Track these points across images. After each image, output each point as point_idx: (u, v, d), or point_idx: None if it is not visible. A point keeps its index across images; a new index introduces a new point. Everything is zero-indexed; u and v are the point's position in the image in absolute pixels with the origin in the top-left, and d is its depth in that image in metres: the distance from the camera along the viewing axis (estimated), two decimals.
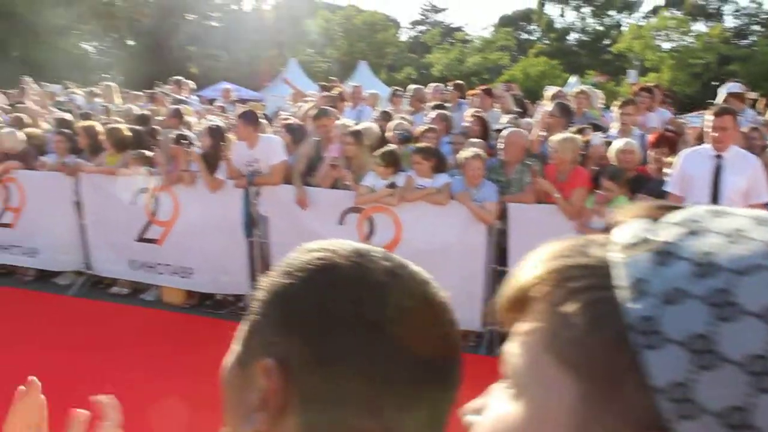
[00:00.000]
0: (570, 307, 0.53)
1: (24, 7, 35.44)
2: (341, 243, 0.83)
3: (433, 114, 8.04)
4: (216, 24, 44.58)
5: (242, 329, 0.86)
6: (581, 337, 0.52)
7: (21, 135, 8.58)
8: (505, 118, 7.96)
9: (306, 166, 7.18)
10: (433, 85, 10.02)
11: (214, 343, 5.74)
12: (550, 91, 9.71)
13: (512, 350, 0.59)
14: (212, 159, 7.21)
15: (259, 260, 7.35)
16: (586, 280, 0.53)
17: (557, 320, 0.54)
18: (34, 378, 0.98)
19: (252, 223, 7.29)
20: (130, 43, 44.94)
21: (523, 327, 0.58)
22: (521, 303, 0.59)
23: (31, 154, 8.51)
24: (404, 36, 59.65)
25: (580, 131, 7.00)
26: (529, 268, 0.60)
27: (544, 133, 7.13)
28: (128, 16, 42.95)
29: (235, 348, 0.86)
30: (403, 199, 6.59)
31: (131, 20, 43.06)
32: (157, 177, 7.59)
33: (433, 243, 6.40)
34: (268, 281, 0.83)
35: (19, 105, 10.58)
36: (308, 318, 0.76)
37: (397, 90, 11.68)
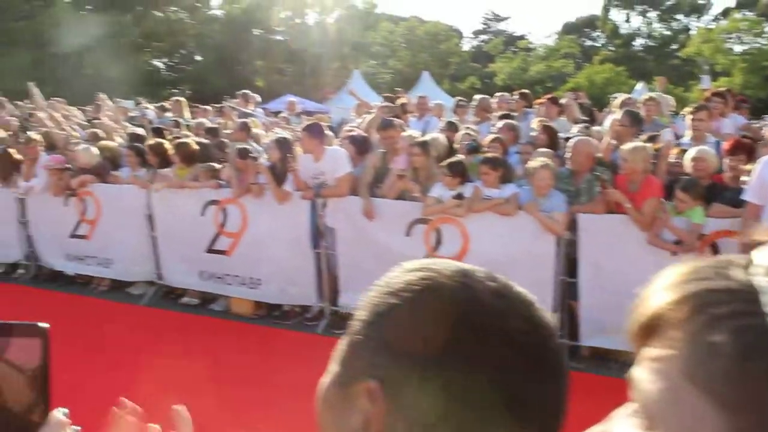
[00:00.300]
0: (716, 336, 0.50)
1: (98, 28, 36.66)
2: (443, 263, 0.81)
3: (500, 124, 7.96)
4: (281, 38, 45.29)
5: (340, 348, 0.84)
6: (731, 368, 0.49)
7: (95, 150, 8.86)
8: (575, 128, 7.82)
9: (372, 178, 7.21)
10: (498, 94, 9.93)
11: (281, 353, 5.87)
12: (618, 98, 9.52)
13: (643, 377, 0.57)
14: (280, 171, 7.29)
15: (326, 272, 7.40)
16: (731, 306, 0.51)
17: (700, 349, 0.52)
18: (135, 406, 0.98)
19: (319, 234, 7.35)
20: (198, 58, 46.07)
21: (654, 353, 0.56)
22: (653, 328, 0.57)
23: (105, 168, 8.78)
24: (467, 45, 59.53)
25: (650, 139, 6.84)
26: (662, 292, 0.57)
27: (615, 142, 6.99)
28: (197, 33, 44.05)
29: (334, 368, 0.84)
30: (471, 210, 6.54)
31: (200, 36, 44.15)
32: (225, 189, 7.72)
33: (500, 254, 6.32)
34: (368, 301, 0.81)
35: (95, 120, 10.93)
36: (414, 340, 0.74)
37: (461, 100, 11.63)
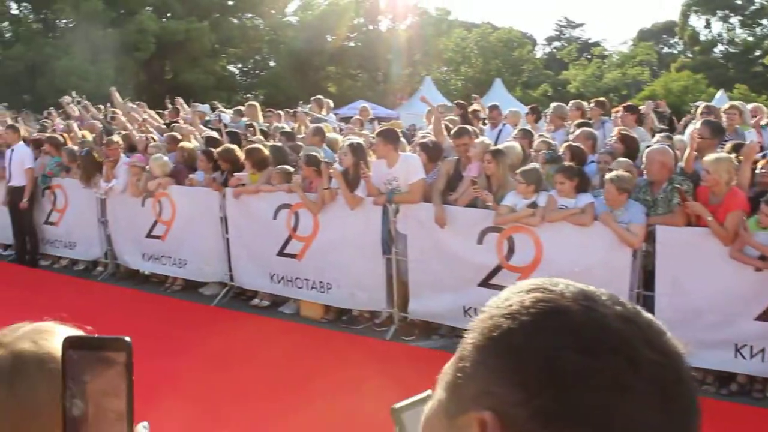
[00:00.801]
0: None
1: (178, 35, 37.74)
2: (562, 283, 0.75)
3: (578, 132, 7.80)
4: (353, 44, 45.68)
5: (447, 373, 0.79)
6: None
7: (167, 159, 9.11)
8: (656, 137, 7.61)
9: (445, 185, 7.17)
10: (573, 102, 9.76)
11: (349, 358, 5.89)
12: (700, 107, 9.23)
13: None
14: (352, 177, 7.33)
15: (396, 278, 7.39)
16: None
17: None
18: None
19: (390, 240, 7.35)
20: (272, 64, 46.87)
21: None
22: None
23: (182, 172, 9.00)
24: (540, 52, 58.82)
25: (734, 149, 6.59)
26: None
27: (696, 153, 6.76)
28: (271, 39, 44.85)
29: (440, 395, 0.79)
30: (545, 220, 6.44)
31: (274, 42, 44.93)
32: (298, 193, 7.80)
33: (574, 265, 6.19)
34: (479, 323, 0.76)
35: (173, 124, 11.24)
36: (535, 368, 0.68)
37: (533, 107, 11.49)
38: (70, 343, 0.79)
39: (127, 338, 0.80)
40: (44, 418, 0.94)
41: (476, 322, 0.77)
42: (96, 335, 0.82)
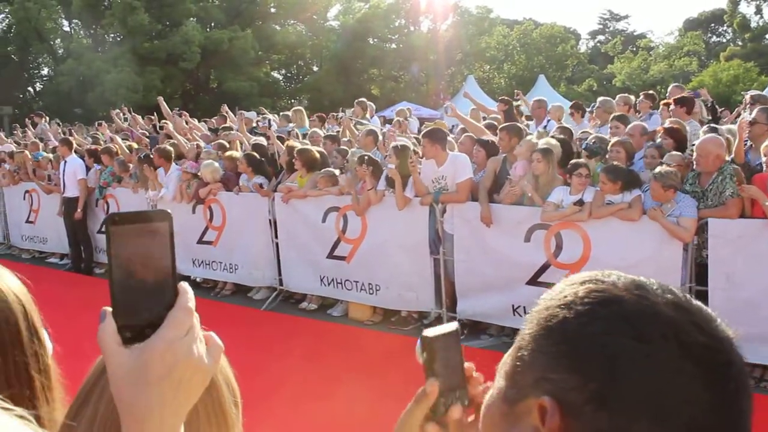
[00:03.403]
0: None
1: (222, 44, 38.28)
2: (614, 274, 0.79)
3: (630, 126, 7.65)
4: (395, 46, 45.75)
5: (506, 362, 0.82)
6: None
7: (217, 165, 9.25)
8: (703, 128, 7.44)
9: (492, 183, 7.14)
10: (621, 96, 9.62)
11: (399, 359, 5.87)
12: (748, 95, 9.02)
13: None
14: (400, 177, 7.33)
15: (444, 278, 7.39)
16: None
17: None
18: None
19: (438, 240, 7.35)
20: (315, 68, 47.23)
21: None
22: None
23: (231, 179, 9.14)
24: (584, 47, 58.10)
25: None
26: None
27: (750, 143, 6.60)
28: (314, 44, 45.18)
29: (499, 383, 0.83)
30: (592, 216, 6.36)
31: (316, 47, 45.25)
32: (346, 197, 7.86)
33: (624, 260, 6.10)
34: (536, 314, 0.80)
35: (222, 132, 11.41)
36: (590, 354, 0.71)
37: (576, 103, 11.35)
38: (113, 219, 0.83)
39: (168, 210, 0.86)
40: None
41: (533, 313, 0.80)
42: (137, 211, 0.87)
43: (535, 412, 0.74)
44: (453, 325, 1.07)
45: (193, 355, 0.84)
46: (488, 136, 8.04)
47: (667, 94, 9.59)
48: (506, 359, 0.83)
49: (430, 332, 1.04)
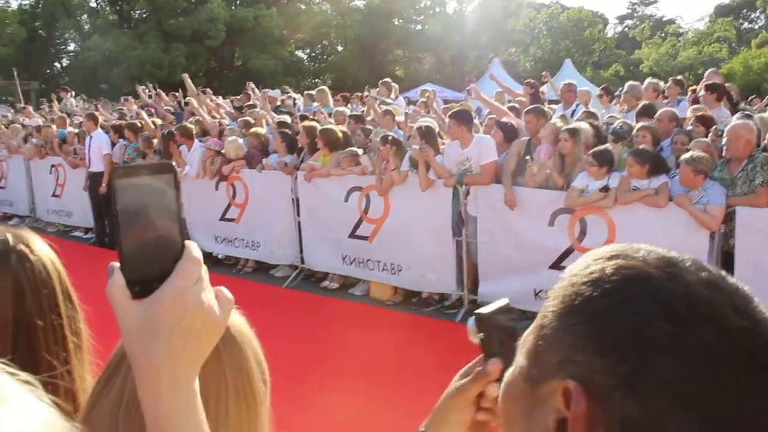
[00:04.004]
0: None
1: (247, 22, 38.29)
2: (643, 249, 0.73)
3: (660, 112, 7.54)
4: (420, 27, 45.49)
5: (527, 340, 0.78)
6: None
7: (241, 141, 9.26)
8: (737, 114, 7.31)
9: (516, 166, 7.09)
10: (650, 81, 9.48)
11: (419, 339, 5.90)
12: None
13: None
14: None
15: (466, 260, 7.36)
16: None
17: None
18: None
19: (461, 222, 7.32)
20: (340, 48, 47.12)
21: None
22: None
23: (255, 156, 9.15)
24: (611, 31, 57.34)
25: None
26: None
27: None
28: (338, 24, 45.05)
29: (521, 361, 0.78)
30: (618, 202, 6.30)
31: (341, 27, 45.11)
32: (368, 175, 7.84)
33: None
34: (559, 291, 0.74)
35: (246, 109, 11.42)
36: (620, 336, 0.66)
37: (605, 87, 11.22)
38: (117, 173, 0.83)
39: (172, 162, 0.85)
40: None
41: (556, 289, 0.75)
42: (141, 163, 0.87)
43: (559, 395, 0.69)
44: (504, 301, 1.05)
45: (203, 303, 0.84)
46: (510, 119, 7.98)
47: (705, 79, 9.40)
48: (528, 336, 0.79)
49: (484, 311, 1.02)
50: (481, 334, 1.02)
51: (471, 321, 1.03)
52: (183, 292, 0.82)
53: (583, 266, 0.74)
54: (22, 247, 1.43)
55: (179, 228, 0.85)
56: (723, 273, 0.71)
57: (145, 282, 0.83)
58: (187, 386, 0.84)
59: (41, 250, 1.46)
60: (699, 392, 0.64)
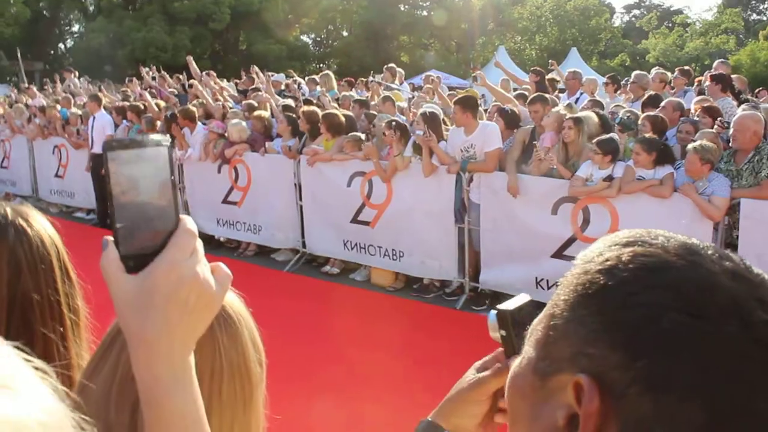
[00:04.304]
0: None
1: (252, 5, 38.12)
2: (662, 235, 0.69)
3: (665, 101, 7.49)
4: (426, 14, 45.28)
5: (536, 329, 0.74)
6: None
7: (245, 124, 9.22)
8: (743, 105, 7.26)
9: (520, 153, 7.06)
10: (656, 72, 9.41)
11: (419, 326, 5.90)
12: None
13: None
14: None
15: (468, 247, 7.35)
16: None
17: None
18: None
19: (463, 209, 7.29)
20: (345, 33, 46.94)
21: None
22: None
23: (258, 140, 9.12)
24: (618, 21, 57.03)
25: None
26: None
27: None
28: (344, 9, 44.85)
29: (529, 352, 0.75)
30: (622, 191, 6.27)
31: (347, 12, 44.92)
32: (371, 159, 7.81)
33: None
34: (571, 278, 0.70)
35: (251, 93, 11.38)
36: (639, 330, 0.62)
37: (612, 76, 11.15)
38: (110, 145, 0.81)
39: (167, 136, 0.84)
40: None
41: (568, 277, 0.71)
42: (135, 137, 0.84)
43: (570, 389, 0.65)
44: (525, 297, 1.02)
45: (199, 276, 0.82)
46: (512, 106, 7.95)
47: (713, 69, 9.33)
48: (536, 326, 0.74)
49: (505, 306, 0.99)
50: (502, 331, 1.00)
51: (492, 317, 1.01)
52: (178, 264, 0.81)
53: (597, 253, 0.70)
54: (20, 221, 1.42)
55: (174, 202, 0.83)
56: (747, 263, 0.67)
57: (139, 256, 0.81)
58: (182, 360, 0.83)
59: (40, 225, 1.46)
60: (721, 390, 0.60)
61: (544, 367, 0.71)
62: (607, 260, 0.68)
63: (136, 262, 0.81)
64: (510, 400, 0.78)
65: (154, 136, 0.84)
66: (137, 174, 0.82)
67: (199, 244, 0.84)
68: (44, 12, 42.37)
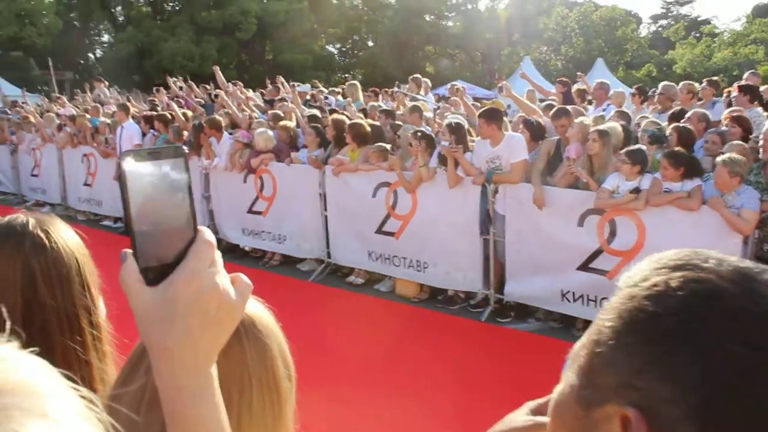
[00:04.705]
0: None
1: (278, 15, 38.37)
2: (713, 258, 0.65)
3: (690, 113, 7.42)
4: (452, 24, 45.29)
5: (578, 355, 0.72)
6: None
7: (271, 134, 9.27)
8: None
9: (546, 165, 7.02)
10: (684, 83, 9.32)
11: (443, 338, 5.86)
12: None
13: None
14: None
15: (493, 259, 7.31)
16: None
17: None
18: None
19: (488, 220, 7.26)
20: (370, 44, 47.09)
21: None
22: None
23: (284, 150, 9.16)
24: (644, 31, 56.62)
25: None
26: None
27: None
28: (370, 19, 45.01)
29: (571, 379, 0.72)
30: (649, 204, 6.20)
31: (372, 23, 45.08)
32: (395, 170, 7.80)
33: None
34: (620, 305, 0.67)
35: (276, 102, 11.45)
36: (690, 361, 0.59)
37: (639, 88, 11.05)
38: (125, 157, 0.81)
39: (182, 145, 0.83)
40: None
41: (614, 302, 0.68)
42: (152, 147, 0.84)
43: (616, 422, 0.63)
44: None
45: (219, 286, 0.81)
46: (538, 117, 7.91)
47: (743, 80, 9.24)
48: (579, 351, 0.72)
49: None
50: None
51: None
52: (198, 274, 0.80)
53: (643, 277, 0.67)
54: (39, 233, 1.44)
55: (191, 212, 0.83)
56: None
57: (158, 268, 0.81)
58: (205, 371, 0.83)
59: (62, 237, 1.46)
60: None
61: (588, 396, 0.68)
62: (655, 286, 0.64)
63: (156, 273, 0.81)
64: (553, 427, 0.76)
65: (172, 146, 0.84)
66: (154, 185, 0.82)
67: (218, 255, 0.84)
68: (75, 22, 43.01)
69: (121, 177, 0.81)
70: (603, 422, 0.65)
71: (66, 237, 1.48)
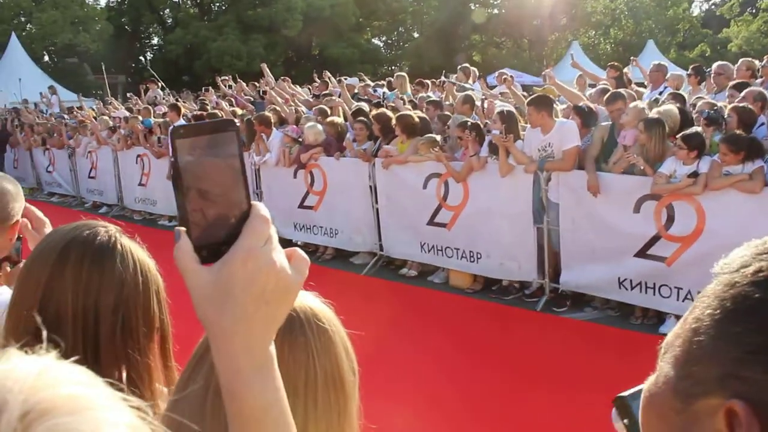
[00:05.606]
0: None
1: (323, 10, 38.56)
2: None
3: (745, 91, 7.18)
4: (497, 11, 44.85)
5: (673, 345, 0.68)
6: None
7: (320, 127, 9.31)
8: None
9: (600, 151, 6.89)
10: (743, 60, 9.00)
11: (499, 328, 5.79)
12: None
13: None
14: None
15: (547, 248, 7.21)
16: None
17: None
18: None
19: (542, 209, 7.17)
20: (416, 35, 46.97)
21: None
22: None
23: (332, 144, 9.19)
24: (696, 10, 55.18)
25: None
26: None
27: None
28: (414, 10, 44.89)
29: (666, 370, 0.68)
30: (708, 187, 6.02)
31: (417, 14, 44.95)
32: (442, 161, 7.76)
33: (741, 236, 5.61)
34: (720, 292, 0.64)
35: (324, 98, 11.50)
36: None
37: (696, 67, 10.73)
38: (177, 132, 0.79)
39: (234, 119, 0.83)
40: None
41: (711, 289, 0.65)
42: (201, 121, 0.83)
43: (721, 415, 0.59)
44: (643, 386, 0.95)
45: (275, 263, 0.79)
46: (585, 103, 7.77)
47: None
48: (673, 340, 0.68)
49: (626, 393, 0.93)
50: (626, 420, 0.93)
51: (615, 409, 0.94)
52: (253, 252, 0.78)
53: (743, 263, 0.63)
54: (127, 245, 1.48)
55: (245, 187, 0.81)
56: None
57: (212, 245, 0.79)
58: (262, 351, 0.81)
59: (145, 259, 1.50)
60: None
61: (687, 388, 0.65)
62: (759, 271, 0.61)
63: (210, 251, 0.79)
64: (646, 421, 0.73)
65: (223, 119, 0.82)
66: (206, 160, 0.80)
67: (274, 231, 0.82)
68: (126, 27, 43.92)
69: (172, 153, 0.80)
70: (705, 416, 0.62)
71: (144, 257, 1.51)
